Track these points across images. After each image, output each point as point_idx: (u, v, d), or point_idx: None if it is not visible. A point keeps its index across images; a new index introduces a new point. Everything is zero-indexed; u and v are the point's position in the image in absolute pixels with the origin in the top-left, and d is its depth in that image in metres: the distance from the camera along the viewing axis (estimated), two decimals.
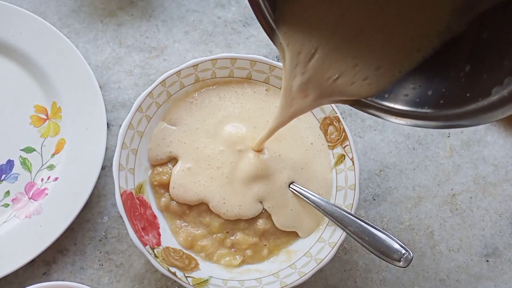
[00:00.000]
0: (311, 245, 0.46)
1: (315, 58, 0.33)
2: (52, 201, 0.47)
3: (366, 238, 0.41)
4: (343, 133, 0.48)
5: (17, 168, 0.49)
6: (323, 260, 0.43)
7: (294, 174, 0.47)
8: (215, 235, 0.46)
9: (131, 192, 0.44)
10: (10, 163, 0.49)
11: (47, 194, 0.48)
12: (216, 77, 0.50)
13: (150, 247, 0.42)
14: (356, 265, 0.51)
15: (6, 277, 0.45)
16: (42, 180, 0.49)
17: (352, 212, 0.45)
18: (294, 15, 0.33)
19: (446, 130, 0.57)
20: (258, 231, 0.46)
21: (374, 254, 0.41)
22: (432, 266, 0.52)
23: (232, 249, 0.46)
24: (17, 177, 0.49)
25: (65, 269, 0.47)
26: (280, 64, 0.49)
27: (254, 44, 0.58)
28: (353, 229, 0.42)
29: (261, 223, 0.46)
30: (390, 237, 0.41)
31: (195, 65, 0.47)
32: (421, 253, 0.52)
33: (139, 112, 0.45)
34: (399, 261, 0.39)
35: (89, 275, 0.47)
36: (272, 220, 0.46)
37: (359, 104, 0.34)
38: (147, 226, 0.44)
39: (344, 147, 0.48)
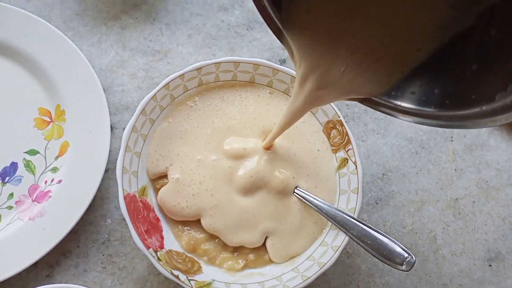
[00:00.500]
0: (314, 249, 0.46)
1: (321, 57, 0.33)
2: (56, 204, 0.47)
3: (369, 242, 0.41)
4: (346, 137, 0.48)
5: (21, 170, 0.49)
6: (326, 264, 0.43)
7: (300, 179, 0.47)
8: (217, 239, 0.46)
9: (135, 195, 0.44)
10: (14, 166, 0.49)
11: (50, 196, 0.48)
12: (219, 81, 0.50)
13: (153, 250, 0.42)
14: (358, 269, 0.51)
15: (9, 279, 0.45)
16: (45, 182, 0.49)
17: (355, 216, 0.45)
18: (299, 17, 0.33)
19: (449, 134, 0.57)
20: None
21: (377, 258, 0.41)
22: (435, 270, 0.52)
23: (235, 253, 0.46)
24: (20, 179, 0.49)
25: (68, 271, 0.47)
26: (283, 68, 0.49)
27: (257, 47, 0.58)
28: (356, 232, 0.42)
29: None
30: (393, 241, 0.41)
31: (198, 69, 0.48)
32: (424, 257, 0.52)
33: (143, 115, 0.45)
34: (402, 264, 0.39)
35: (92, 277, 0.47)
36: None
37: (368, 101, 0.34)
38: (150, 229, 0.44)
39: (347, 150, 0.48)
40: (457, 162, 0.57)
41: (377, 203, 0.54)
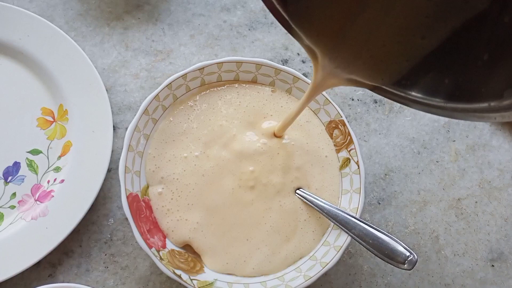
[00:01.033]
0: (316, 249, 0.46)
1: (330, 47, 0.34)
2: (58, 203, 0.47)
3: (370, 241, 0.41)
4: (349, 137, 0.48)
5: (24, 170, 0.49)
6: (328, 263, 0.43)
7: (303, 180, 0.48)
8: None
9: (137, 195, 0.44)
10: (16, 165, 0.49)
11: (53, 196, 0.48)
12: (221, 80, 0.50)
13: (156, 249, 0.42)
14: (361, 269, 0.51)
15: (12, 279, 0.45)
16: (48, 182, 0.49)
17: (357, 216, 0.45)
18: (307, 10, 0.33)
19: (451, 134, 0.57)
20: None
21: (379, 257, 0.41)
22: (437, 270, 0.52)
23: None
24: (23, 179, 0.49)
25: (70, 271, 0.47)
26: (285, 68, 0.49)
27: (260, 48, 0.58)
28: (357, 232, 0.43)
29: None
30: (395, 240, 0.41)
31: (201, 69, 0.48)
32: (426, 258, 0.52)
33: (145, 114, 0.45)
34: (404, 263, 0.39)
35: (94, 277, 0.47)
36: (281, 208, 0.46)
37: (377, 89, 0.34)
38: (153, 228, 0.44)
39: (350, 150, 0.48)
40: (459, 162, 0.56)
41: (379, 203, 0.54)
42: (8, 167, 0.49)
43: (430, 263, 0.52)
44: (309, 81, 0.49)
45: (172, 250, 0.44)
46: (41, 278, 0.47)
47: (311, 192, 0.47)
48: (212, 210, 0.45)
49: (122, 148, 0.44)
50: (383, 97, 0.55)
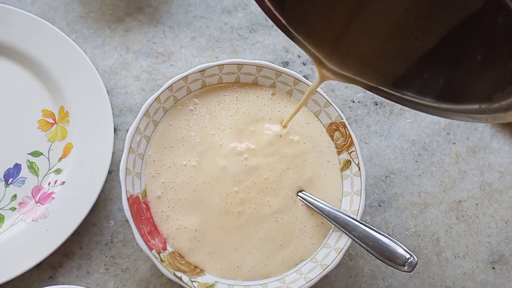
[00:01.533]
0: (317, 251, 0.46)
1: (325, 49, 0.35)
2: (59, 205, 0.47)
3: (371, 243, 0.41)
4: (349, 139, 0.48)
5: (24, 172, 0.49)
6: (329, 266, 0.43)
7: (304, 184, 0.48)
8: None
9: (138, 196, 0.44)
10: (17, 167, 0.49)
11: (54, 198, 0.48)
12: (222, 83, 0.50)
13: (156, 251, 0.42)
14: (361, 271, 0.51)
15: (12, 281, 0.45)
16: (49, 184, 0.49)
17: (358, 218, 0.45)
18: (304, 16, 0.34)
19: (452, 137, 0.57)
20: None
21: (379, 259, 0.41)
22: (438, 273, 0.52)
23: None
24: (24, 181, 0.49)
25: (71, 273, 0.47)
26: (286, 70, 0.49)
27: (260, 50, 0.58)
28: (357, 234, 0.42)
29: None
30: (395, 242, 0.41)
31: (202, 71, 0.48)
32: (427, 260, 0.52)
33: (146, 116, 0.46)
34: (404, 265, 0.39)
35: (95, 279, 0.47)
36: (275, 223, 0.46)
37: (374, 89, 0.34)
38: (153, 230, 0.44)
39: (350, 152, 0.48)
40: (460, 165, 0.56)
41: (380, 206, 0.54)
42: (9, 169, 0.49)
43: (430, 265, 0.52)
44: (310, 83, 0.49)
45: (173, 252, 0.44)
46: (42, 280, 0.47)
47: (312, 195, 0.47)
48: (202, 226, 0.45)
49: (123, 150, 0.44)
50: (384, 99, 0.55)
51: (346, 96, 0.57)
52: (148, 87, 0.55)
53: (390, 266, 0.40)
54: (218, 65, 0.48)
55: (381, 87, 0.34)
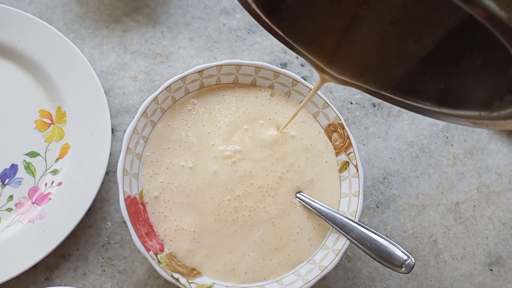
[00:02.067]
0: (315, 252, 0.46)
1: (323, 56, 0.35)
2: (56, 206, 0.47)
3: (368, 245, 0.41)
4: (347, 140, 0.48)
5: (21, 172, 0.49)
6: (327, 267, 0.43)
7: (302, 185, 0.48)
8: None
9: (135, 197, 0.44)
10: (14, 168, 0.49)
11: (50, 198, 0.48)
12: (220, 83, 0.50)
13: (154, 252, 0.42)
14: (359, 273, 0.51)
15: (8, 282, 0.45)
16: (45, 184, 0.49)
17: (356, 220, 0.45)
18: (300, 27, 0.34)
19: (450, 139, 0.57)
20: None
21: (376, 261, 0.41)
22: (436, 274, 0.52)
23: None
24: (20, 181, 0.49)
25: (67, 274, 0.47)
26: (284, 71, 0.49)
27: (259, 51, 0.58)
28: (355, 235, 0.43)
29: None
30: (392, 244, 0.41)
31: (200, 71, 0.48)
32: (424, 262, 0.52)
33: (144, 117, 0.45)
34: (401, 267, 0.39)
35: (92, 280, 0.47)
36: (272, 227, 0.46)
37: (373, 94, 0.34)
38: (151, 231, 0.44)
39: (348, 154, 0.48)
40: (457, 166, 0.57)
41: (378, 207, 0.54)
42: (5, 169, 0.49)
43: (428, 267, 0.52)
44: (308, 84, 0.49)
45: (170, 253, 0.44)
46: (38, 281, 0.46)
47: (310, 196, 0.47)
48: (199, 228, 0.45)
49: (120, 151, 0.43)
50: (382, 101, 0.55)
51: (344, 97, 0.57)
52: (146, 88, 0.55)
53: (388, 267, 0.40)
54: (216, 66, 0.48)
55: (381, 91, 0.34)
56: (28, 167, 0.49)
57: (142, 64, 0.56)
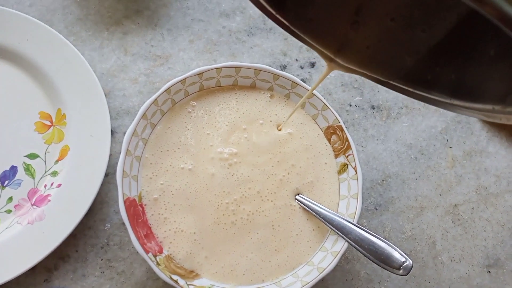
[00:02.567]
0: (314, 254, 0.46)
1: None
2: (55, 208, 0.47)
3: (366, 247, 0.41)
4: (346, 142, 0.48)
5: (21, 174, 0.49)
6: (325, 269, 0.43)
7: (302, 187, 0.48)
8: None
9: (134, 199, 0.44)
10: (13, 169, 0.49)
11: (50, 200, 0.48)
12: (220, 86, 0.50)
13: (153, 254, 0.42)
14: (358, 275, 0.51)
15: (7, 284, 0.45)
16: (45, 186, 0.49)
17: (355, 222, 0.45)
18: (308, 16, 0.33)
19: (449, 141, 0.57)
20: None
21: (374, 262, 0.41)
22: (434, 276, 0.52)
23: None
24: (20, 183, 0.49)
25: (66, 276, 0.47)
26: (283, 73, 0.49)
27: (258, 53, 0.58)
28: (353, 237, 0.43)
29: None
30: (390, 246, 0.41)
31: (200, 74, 0.48)
32: (423, 263, 0.52)
33: (144, 119, 0.45)
34: (399, 269, 0.40)
35: (91, 282, 0.47)
36: (272, 230, 0.46)
37: (383, 84, 0.34)
38: (150, 233, 0.44)
39: (347, 156, 0.48)
40: (456, 168, 0.57)
41: (376, 209, 0.54)
42: (5, 171, 0.49)
43: (427, 269, 0.52)
44: (307, 86, 0.49)
45: (169, 255, 0.44)
46: (37, 283, 0.47)
47: (310, 198, 0.47)
48: (199, 230, 0.45)
49: (119, 153, 0.44)
50: (381, 104, 0.56)
51: (343, 99, 0.58)
52: (146, 90, 0.55)
53: (386, 269, 0.40)
54: (216, 68, 0.48)
55: (390, 81, 0.33)
56: (28, 169, 0.49)
57: (142, 66, 0.56)
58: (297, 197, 0.47)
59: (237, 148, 0.48)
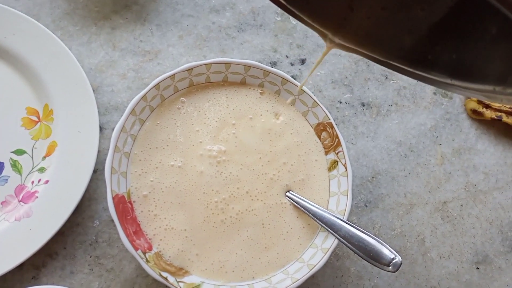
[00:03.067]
0: (304, 251, 0.46)
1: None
2: (43, 204, 0.46)
3: (356, 243, 0.42)
4: (336, 139, 0.48)
5: (7, 170, 0.48)
6: (315, 266, 0.43)
7: (293, 184, 0.48)
8: None
9: (123, 196, 0.44)
10: (0, 165, 0.48)
11: (37, 197, 0.47)
12: (210, 82, 0.50)
13: (142, 251, 0.42)
14: (347, 272, 0.51)
15: None
16: (32, 183, 0.48)
17: (345, 218, 0.45)
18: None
19: (438, 138, 0.58)
20: None
21: (364, 259, 0.41)
22: (424, 273, 0.52)
23: None
24: (7, 179, 0.48)
25: (54, 273, 0.47)
26: (274, 70, 0.49)
27: (248, 49, 0.58)
28: (343, 234, 0.43)
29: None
30: (380, 242, 0.41)
31: (189, 69, 0.47)
32: (412, 260, 0.52)
33: (133, 115, 0.45)
34: (389, 265, 0.40)
35: (79, 279, 0.47)
36: (262, 228, 0.46)
37: (384, 63, 0.33)
38: (139, 230, 0.44)
39: (337, 153, 0.48)
40: (445, 166, 0.57)
41: (366, 206, 0.54)
42: None
43: (416, 266, 0.52)
44: (297, 83, 0.49)
45: (158, 252, 0.44)
46: (24, 280, 0.46)
47: (300, 195, 0.47)
48: (190, 227, 0.45)
49: (108, 149, 0.43)
50: (371, 101, 0.56)
51: (333, 96, 0.58)
52: (135, 86, 0.54)
53: (375, 266, 0.40)
54: (206, 64, 0.48)
55: (390, 61, 0.32)
56: (15, 165, 0.49)
57: (130, 62, 0.55)
58: (287, 194, 0.47)
59: (225, 146, 0.47)
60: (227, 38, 0.58)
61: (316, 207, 0.45)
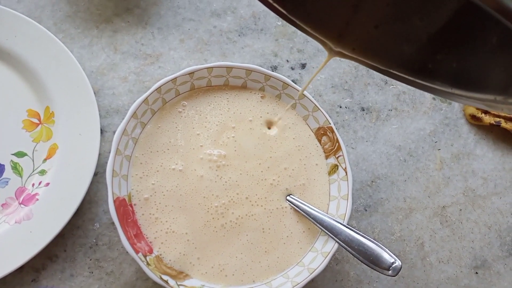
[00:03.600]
0: (304, 255, 0.46)
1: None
2: (43, 207, 0.46)
3: (356, 247, 0.42)
4: (337, 144, 0.49)
5: (8, 172, 0.48)
6: (315, 270, 0.43)
7: (293, 189, 0.48)
8: None
9: (124, 199, 0.44)
10: (0, 168, 0.48)
11: (38, 199, 0.47)
12: (211, 85, 0.50)
13: (143, 254, 0.42)
14: (347, 276, 0.51)
15: None
16: (33, 185, 0.48)
17: (345, 222, 0.45)
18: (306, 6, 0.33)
19: (437, 143, 0.58)
20: None
21: (364, 263, 0.41)
22: (423, 277, 0.52)
23: None
24: (7, 181, 0.48)
25: (54, 276, 0.47)
26: (274, 74, 0.49)
27: (249, 54, 0.58)
28: (343, 238, 0.43)
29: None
30: (380, 247, 0.41)
31: (191, 73, 0.48)
32: (411, 264, 0.53)
33: (134, 118, 0.45)
34: (388, 270, 0.40)
35: (79, 282, 0.47)
36: (262, 233, 0.46)
37: (384, 72, 0.33)
38: (139, 233, 0.44)
39: (338, 157, 0.48)
40: (444, 171, 0.57)
41: (366, 210, 0.54)
42: None
43: (415, 270, 0.53)
44: (298, 87, 0.49)
45: (159, 255, 0.44)
46: (24, 283, 0.46)
47: (300, 199, 0.47)
48: (191, 231, 0.45)
49: (109, 152, 0.43)
50: (371, 105, 0.56)
51: (333, 101, 0.58)
52: (136, 89, 0.54)
53: (375, 270, 0.40)
54: (207, 68, 0.48)
55: (390, 70, 0.33)
56: (15, 167, 0.49)
57: (132, 65, 0.55)
58: (288, 197, 0.47)
59: (225, 150, 0.48)
60: (228, 42, 0.58)
61: (317, 211, 0.45)
